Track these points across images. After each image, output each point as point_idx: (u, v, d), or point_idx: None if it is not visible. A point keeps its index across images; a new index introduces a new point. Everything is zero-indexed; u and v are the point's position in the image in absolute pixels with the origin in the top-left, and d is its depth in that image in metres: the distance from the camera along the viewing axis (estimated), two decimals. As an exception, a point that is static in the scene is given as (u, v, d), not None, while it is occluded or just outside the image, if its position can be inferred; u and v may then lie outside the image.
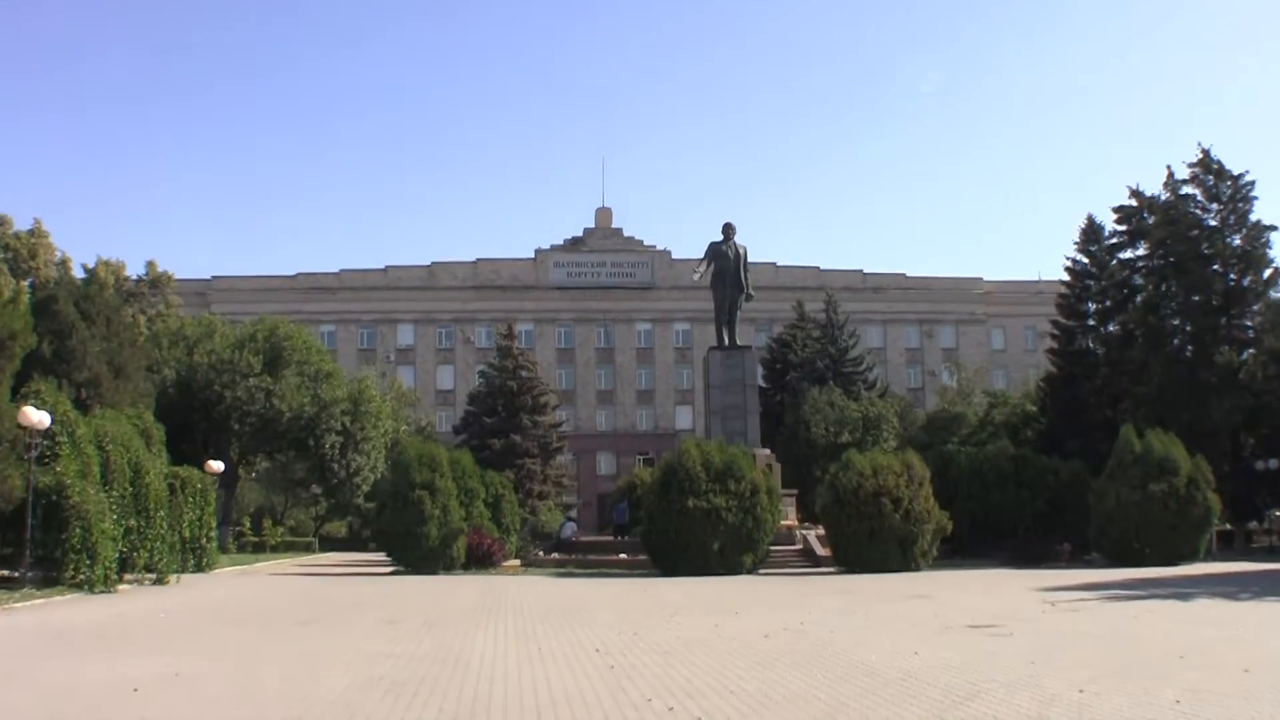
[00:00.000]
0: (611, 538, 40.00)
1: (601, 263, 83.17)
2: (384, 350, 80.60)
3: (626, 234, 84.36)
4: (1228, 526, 43.29)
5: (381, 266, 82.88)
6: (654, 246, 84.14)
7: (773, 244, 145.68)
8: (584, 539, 42.15)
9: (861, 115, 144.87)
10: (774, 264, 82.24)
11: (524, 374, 59.88)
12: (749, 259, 39.50)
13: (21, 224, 51.02)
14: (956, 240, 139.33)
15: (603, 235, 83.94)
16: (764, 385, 58.38)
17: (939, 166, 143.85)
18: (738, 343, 38.97)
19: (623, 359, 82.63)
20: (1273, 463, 41.12)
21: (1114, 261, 49.53)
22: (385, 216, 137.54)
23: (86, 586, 22.40)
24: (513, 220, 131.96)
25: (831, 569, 30.80)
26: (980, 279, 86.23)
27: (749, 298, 39.23)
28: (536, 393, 59.53)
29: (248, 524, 53.49)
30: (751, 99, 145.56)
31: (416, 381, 78.74)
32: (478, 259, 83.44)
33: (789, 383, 59.82)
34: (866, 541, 29.76)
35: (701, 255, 39.56)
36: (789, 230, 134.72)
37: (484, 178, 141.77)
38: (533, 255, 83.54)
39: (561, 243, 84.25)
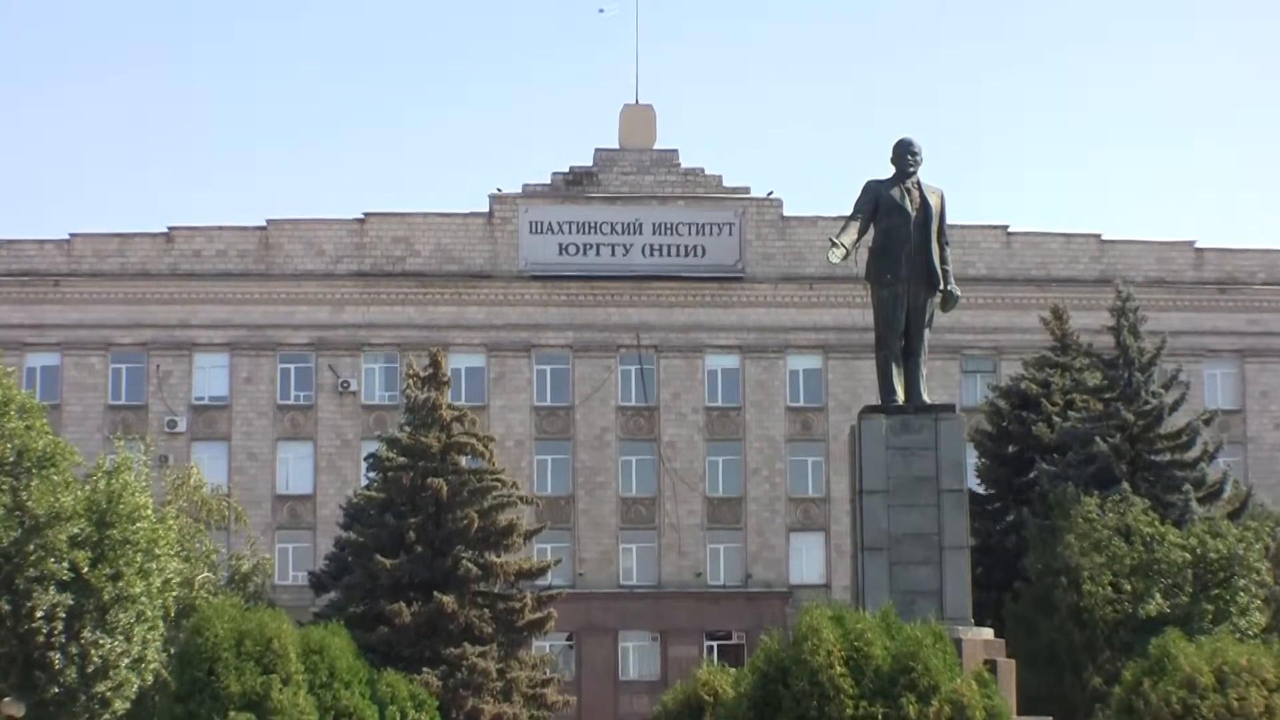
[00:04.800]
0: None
1: (633, 223, 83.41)
2: (167, 408, 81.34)
3: (685, 165, 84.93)
4: None
5: (163, 229, 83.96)
6: (745, 190, 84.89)
7: (996, 191, 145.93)
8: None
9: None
10: (1004, 228, 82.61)
11: (465, 459, 59.84)
12: (948, 218, 39.22)
13: None
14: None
15: (635, 164, 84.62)
16: (979, 490, 57.83)
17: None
18: (924, 399, 38.70)
19: (676, 432, 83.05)
20: None
21: None
22: (175, 131, 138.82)
23: None
24: (447, 138, 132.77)
25: None
26: None
27: (951, 299, 38.83)
28: (492, 501, 59.46)
29: None
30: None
31: (235, 475, 79.48)
32: (366, 214, 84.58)
33: (1034, 484, 59.40)
34: (1203, 831, 29.76)
35: (850, 211, 39.26)
36: (1028, 162, 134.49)
37: (386, 44, 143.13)
38: (486, 208, 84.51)
39: (548, 180, 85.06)
